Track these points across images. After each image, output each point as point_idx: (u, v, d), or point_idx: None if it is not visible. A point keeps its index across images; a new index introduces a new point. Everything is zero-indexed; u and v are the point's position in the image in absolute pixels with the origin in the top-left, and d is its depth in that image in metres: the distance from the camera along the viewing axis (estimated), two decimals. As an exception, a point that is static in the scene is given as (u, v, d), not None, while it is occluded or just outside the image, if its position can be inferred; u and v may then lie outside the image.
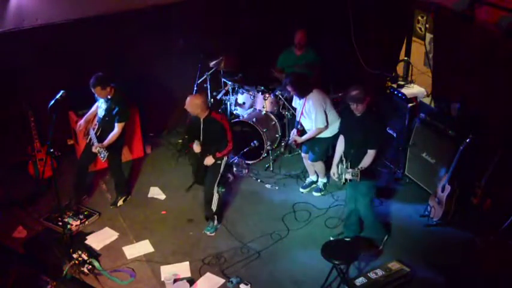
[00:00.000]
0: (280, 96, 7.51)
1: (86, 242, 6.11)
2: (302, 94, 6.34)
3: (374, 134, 5.44)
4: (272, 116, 7.61)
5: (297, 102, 6.57)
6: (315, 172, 6.92)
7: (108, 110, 6.29)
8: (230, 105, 7.93)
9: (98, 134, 6.37)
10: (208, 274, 5.67)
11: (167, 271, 5.70)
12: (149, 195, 6.96)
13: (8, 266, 5.41)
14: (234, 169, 7.29)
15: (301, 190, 6.98)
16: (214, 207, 6.20)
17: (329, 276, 5.35)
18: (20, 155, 7.16)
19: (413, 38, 7.78)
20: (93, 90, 6.17)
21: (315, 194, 6.90)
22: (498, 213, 6.07)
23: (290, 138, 6.68)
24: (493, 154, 6.00)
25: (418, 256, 5.76)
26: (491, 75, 6.19)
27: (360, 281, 5.33)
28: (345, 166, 5.54)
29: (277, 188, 7.07)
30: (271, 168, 7.44)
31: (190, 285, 5.54)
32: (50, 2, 6.90)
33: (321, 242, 5.49)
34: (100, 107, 6.41)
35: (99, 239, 6.16)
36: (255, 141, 7.33)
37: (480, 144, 5.93)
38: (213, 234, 6.24)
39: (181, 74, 7.82)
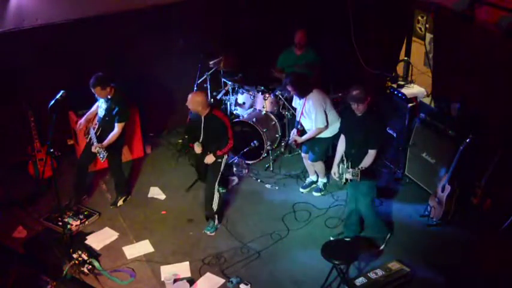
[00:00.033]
0: (280, 96, 7.51)
1: (86, 242, 6.11)
2: (302, 94, 6.34)
3: (374, 134, 5.44)
4: (272, 116, 7.61)
5: (297, 102, 6.57)
6: (315, 172, 6.92)
7: (108, 110, 6.29)
8: (230, 105, 7.93)
9: (98, 133, 6.37)
10: (208, 274, 5.67)
11: (167, 271, 5.70)
12: (149, 195, 6.96)
13: (8, 266, 5.41)
14: (234, 169, 7.29)
15: (301, 190, 6.98)
16: (215, 206, 6.20)
17: (329, 276, 5.35)
18: (20, 155, 7.16)
19: (413, 38, 7.78)
20: (93, 91, 6.16)
21: (315, 194, 6.90)
22: (498, 213, 6.08)
23: (290, 138, 6.68)
24: (493, 154, 6.00)
25: (418, 256, 5.76)
26: (491, 75, 6.19)
27: (360, 281, 5.32)
28: (345, 166, 5.55)
29: (277, 188, 7.07)
30: (271, 168, 7.44)
31: (190, 285, 5.54)
32: (50, 2, 6.90)
33: (321, 242, 5.49)
34: (100, 106, 6.41)
35: (99, 239, 6.16)
36: (255, 141, 7.33)
37: (480, 144, 5.93)
38: (213, 234, 6.24)
39: (181, 74, 7.83)
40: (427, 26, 7.45)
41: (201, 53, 7.67)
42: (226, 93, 7.99)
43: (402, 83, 7.60)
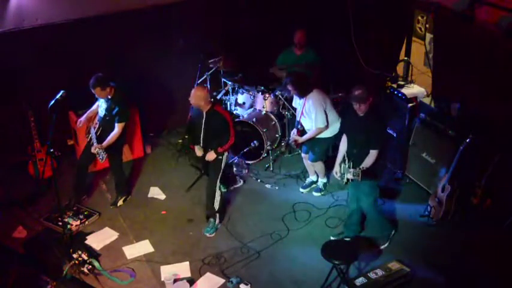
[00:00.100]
0: (280, 96, 7.51)
1: (86, 242, 6.11)
2: (302, 94, 6.34)
3: (376, 134, 5.45)
4: (272, 116, 7.61)
5: (297, 102, 6.58)
6: (315, 172, 6.92)
7: (108, 110, 6.29)
8: (230, 105, 7.93)
9: (98, 133, 6.37)
10: (208, 274, 5.67)
11: (167, 271, 5.70)
12: (149, 195, 6.96)
13: (8, 266, 5.41)
14: (234, 169, 7.28)
15: (301, 190, 6.98)
16: (217, 204, 6.19)
17: (329, 276, 5.35)
18: (20, 155, 7.15)
19: (413, 38, 7.78)
20: (93, 91, 6.16)
21: (315, 194, 6.90)
22: (498, 213, 6.08)
23: (290, 138, 6.67)
24: (493, 154, 6.00)
25: (418, 256, 5.76)
26: (491, 75, 6.19)
27: (360, 281, 5.32)
28: (347, 166, 5.55)
29: (277, 188, 7.07)
30: (271, 168, 7.44)
31: (190, 285, 5.54)
32: (50, 2, 6.90)
33: (321, 242, 5.49)
34: (101, 106, 6.41)
35: (99, 239, 6.16)
36: (255, 141, 7.33)
37: (480, 144, 5.93)
38: (212, 235, 6.23)
39: (181, 74, 7.82)
40: (427, 26, 7.45)
41: (201, 53, 7.67)
42: (226, 93, 7.99)
43: (402, 83, 7.60)
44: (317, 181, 6.98)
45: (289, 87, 6.35)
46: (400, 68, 7.90)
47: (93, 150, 6.23)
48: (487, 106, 6.28)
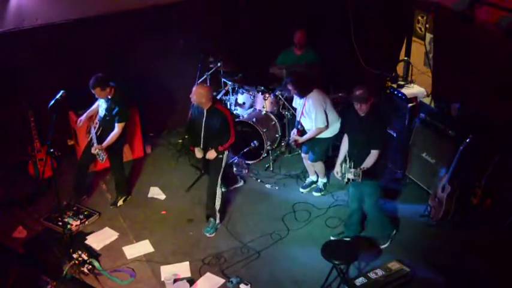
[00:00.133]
0: (280, 96, 7.51)
1: (86, 242, 6.11)
2: (303, 93, 6.34)
3: (377, 135, 5.45)
4: (272, 116, 7.61)
5: (297, 102, 6.58)
6: (315, 172, 6.92)
7: (108, 110, 6.29)
8: (230, 105, 7.93)
9: (98, 133, 6.37)
10: (208, 274, 5.67)
11: (167, 271, 5.70)
12: (149, 195, 6.95)
13: (8, 266, 5.41)
14: (234, 169, 7.28)
15: (301, 190, 6.98)
16: (218, 204, 6.19)
17: (329, 276, 5.35)
18: (20, 155, 7.16)
19: (413, 38, 7.78)
20: (92, 91, 6.16)
21: (315, 194, 6.90)
22: (498, 213, 6.08)
23: (290, 138, 6.67)
24: (493, 154, 6.00)
25: (418, 256, 5.76)
26: (491, 75, 6.19)
27: (360, 281, 5.32)
28: (348, 166, 5.55)
29: (277, 188, 7.07)
30: (271, 168, 7.44)
31: (190, 285, 5.54)
32: (50, 2, 6.90)
33: (321, 242, 5.49)
34: (101, 105, 6.41)
35: (99, 239, 6.16)
36: (255, 141, 7.33)
37: (480, 144, 5.93)
38: (212, 235, 6.23)
39: (181, 74, 7.82)
40: (427, 26, 7.45)
41: (201, 53, 7.67)
42: (226, 93, 7.99)
43: (402, 83, 7.60)
44: (317, 181, 6.98)
45: (290, 87, 6.35)
46: (400, 68, 7.90)
47: (93, 150, 6.23)
48: (487, 106, 6.28)
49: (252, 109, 7.68)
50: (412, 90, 7.39)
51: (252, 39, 8.17)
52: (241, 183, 7.11)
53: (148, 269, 5.77)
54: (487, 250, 5.80)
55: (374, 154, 5.44)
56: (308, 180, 7.04)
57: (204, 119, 5.97)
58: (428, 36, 7.42)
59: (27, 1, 6.74)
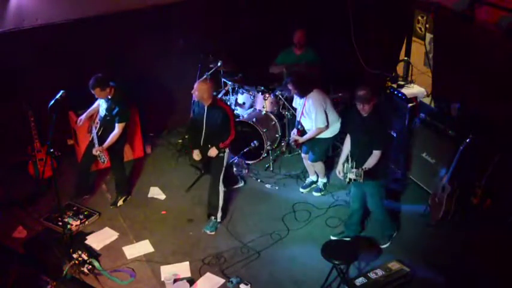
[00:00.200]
0: (280, 96, 7.50)
1: (86, 242, 6.11)
2: (303, 93, 6.34)
3: (379, 135, 5.45)
4: (272, 116, 7.60)
5: (297, 102, 6.58)
6: (315, 172, 6.92)
7: (108, 110, 6.29)
8: (230, 105, 7.92)
9: (99, 133, 6.37)
10: (208, 274, 5.67)
11: (167, 271, 5.70)
12: (149, 195, 6.95)
13: (8, 266, 5.41)
14: (234, 169, 7.28)
15: (301, 190, 6.98)
16: (220, 202, 6.20)
17: (329, 276, 5.35)
18: (20, 155, 7.15)
19: (413, 38, 7.78)
20: (92, 92, 6.16)
21: (315, 194, 6.90)
22: (498, 213, 6.08)
23: (290, 138, 6.68)
24: (493, 154, 6.00)
25: (418, 256, 5.76)
26: (491, 75, 6.19)
27: (360, 281, 5.32)
28: (349, 166, 5.55)
29: (277, 188, 7.07)
30: (271, 168, 7.44)
31: (190, 285, 5.54)
32: (50, 2, 6.90)
33: (321, 242, 5.49)
34: (101, 105, 6.41)
35: (99, 239, 6.16)
36: (255, 141, 7.33)
37: (480, 144, 5.93)
38: (213, 233, 6.24)
39: (181, 74, 7.82)
40: (427, 26, 7.45)
41: (201, 53, 7.67)
42: (226, 93, 7.99)
43: (402, 83, 7.59)
44: (317, 181, 6.98)
45: (290, 87, 6.36)
46: (400, 68, 7.90)
47: (94, 152, 6.24)
48: (487, 106, 6.27)
49: (252, 109, 7.68)
50: (412, 90, 7.38)
51: (252, 39, 8.17)
52: (241, 184, 7.11)
53: (148, 269, 5.77)
54: (487, 250, 5.80)
55: (376, 154, 5.44)
56: (308, 180, 7.04)
57: (205, 115, 5.99)
58: (428, 36, 7.42)
59: (27, 1, 6.74)
